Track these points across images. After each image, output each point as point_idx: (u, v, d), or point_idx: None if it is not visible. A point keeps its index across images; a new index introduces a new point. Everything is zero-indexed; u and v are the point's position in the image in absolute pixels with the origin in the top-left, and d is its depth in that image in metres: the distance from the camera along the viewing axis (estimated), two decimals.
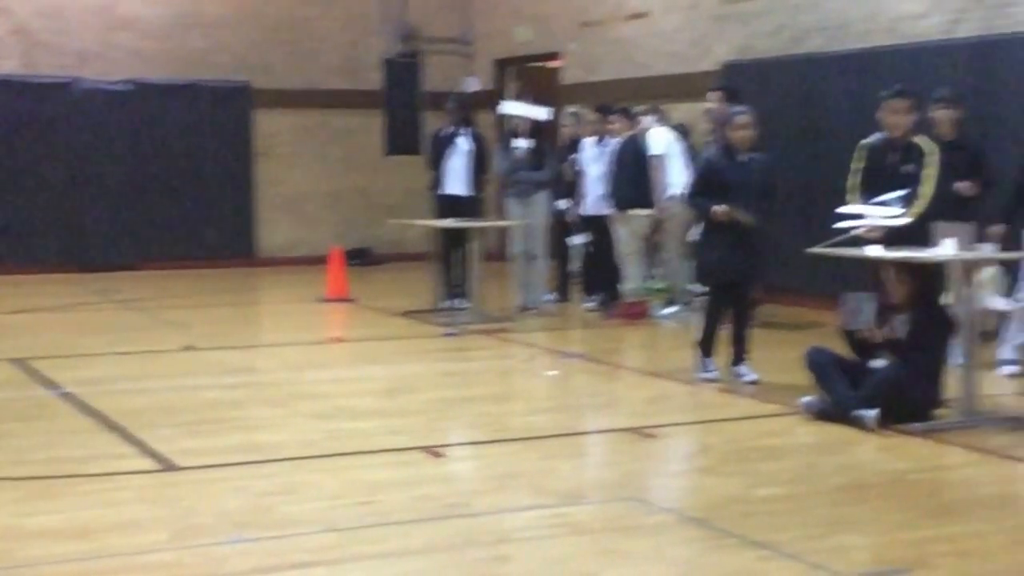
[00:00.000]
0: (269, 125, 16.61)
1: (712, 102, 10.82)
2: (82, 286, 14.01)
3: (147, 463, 6.25)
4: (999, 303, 8.80)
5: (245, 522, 5.21)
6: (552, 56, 16.17)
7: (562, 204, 12.24)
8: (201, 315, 12.11)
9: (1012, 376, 8.44)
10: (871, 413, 6.82)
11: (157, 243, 15.97)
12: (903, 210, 7.50)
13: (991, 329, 9.15)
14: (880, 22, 11.43)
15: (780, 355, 8.74)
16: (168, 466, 6.19)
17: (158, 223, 15.96)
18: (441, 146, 12.13)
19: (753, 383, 8.19)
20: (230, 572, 4.67)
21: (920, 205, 7.60)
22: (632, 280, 11.54)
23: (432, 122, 13.83)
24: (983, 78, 10.30)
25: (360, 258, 16.16)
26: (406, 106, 16.18)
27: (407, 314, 11.66)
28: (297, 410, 7.59)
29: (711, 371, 8.28)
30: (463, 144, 12.00)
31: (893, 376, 6.97)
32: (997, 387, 8.04)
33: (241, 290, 14.66)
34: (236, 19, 16.43)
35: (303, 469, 6.16)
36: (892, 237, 7.40)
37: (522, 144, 11.67)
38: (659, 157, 11.28)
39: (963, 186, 8.81)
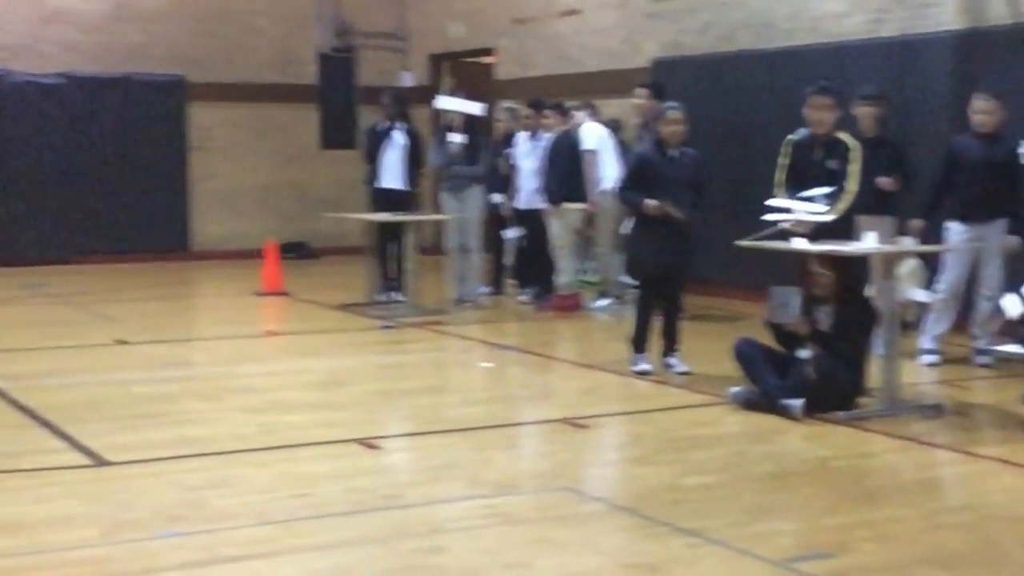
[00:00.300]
0: (203, 119, 16.44)
1: (639, 99, 10.88)
2: (10, 280, 13.75)
3: (78, 458, 6.17)
4: (919, 295, 8.94)
5: (177, 516, 5.16)
6: (486, 52, 16.17)
7: (496, 198, 12.25)
8: (134, 309, 11.96)
9: (931, 365, 8.58)
10: (797, 402, 6.90)
11: (89, 237, 15.75)
12: (828, 206, 7.58)
13: (912, 320, 9.31)
14: (804, 21, 11.56)
15: (710, 346, 8.81)
16: (99, 461, 6.11)
17: (91, 217, 15.74)
18: (376, 140, 12.09)
19: (684, 374, 8.25)
20: (162, 566, 4.62)
21: (846, 200, 7.69)
22: (565, 273, 11.57)
23: (367, 116, 13.77)
24: (903, 76, 10.45)
25: (295, 252, 16.05)
26: (341, 100, 16.11)
27: (342, 307, 11.61)
28: (231, 404, 7.53)
29: (644, 366, 8.32)
30: (398, 138, 11.97)
31: (818, 366, 7.05)
32: (917, 376, 8.18)
33: (175, 284, 14.50)
34: (170, 12, 16.23)
35: (236, 463, 6.12)
36: (818, 231, 7.49)
37: (457, 139, 11.66)
38: (592, 152, 11.32)
39: (884, 181, 8.93)
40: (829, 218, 7.59)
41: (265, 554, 4.73)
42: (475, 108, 11.78)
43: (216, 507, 5.33)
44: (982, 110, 8.48)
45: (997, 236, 8.50)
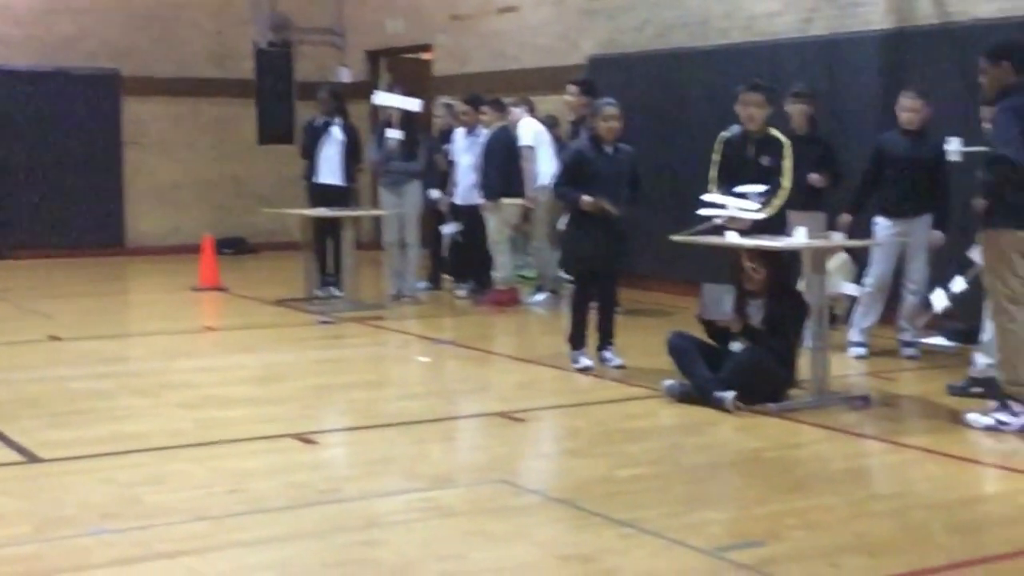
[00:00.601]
0: (139, 113, 16.28)
1: (571, 96, 10.93)
2: None
3: (10, 455, 6.08)
4: (847, 288, 9.06)
5: (111, 513, 5.12)
6: (424, 48, 16.14)
7: (434, 194, 12.24)
8: (68, 305, 11.82)
9: (859, 358, 8.70)
10: (729, 395, 6.97)
11: (23, 233, 15.55)
12: (762, 203, 7.66)
13: (840, 313, 9.43)
14: (738, 19, 11.65)
15: (644, 340, 8.89)
16: (31, 458, 6.03)
17: (24, 212, 15.53)
18: (314, 136, 12.04)
19: (619, 367, 8.31)
20: (95, 563, 4.57)
21: (782, 197, 7.80)
22: (502, 268, 11.59)
23: (305, 112, 13.71)
24: (833, 74, 10.58)
25: (233, 247, 15.95)
26: (278, 95, 16.02)
27: (280, 303, 11.56)
28: (166, 400, 7.47)
29: (586, 361, 8.35)
30: (336, 134, 11.93)
31: (750, 359, 7.13)
32: (846, 368, 8.29)
33: (110, 280, 14.35)
34: (105, 6, 16.04)
35: (172, 459, 6.06)
36: (752, 226, 7.56)
37: (394, 134, 11.63)
38: (529, 148, 11.35)
39: (815, 178, 9.05)
40: (766, 214, 7.69)
41: (199, 550, 4.70)
42: (413, 104, 11.77)
43: (150, 503, 5.28)
44: (909, 108, 8.61)
45: (923, 231, 8.64)
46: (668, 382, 7.36)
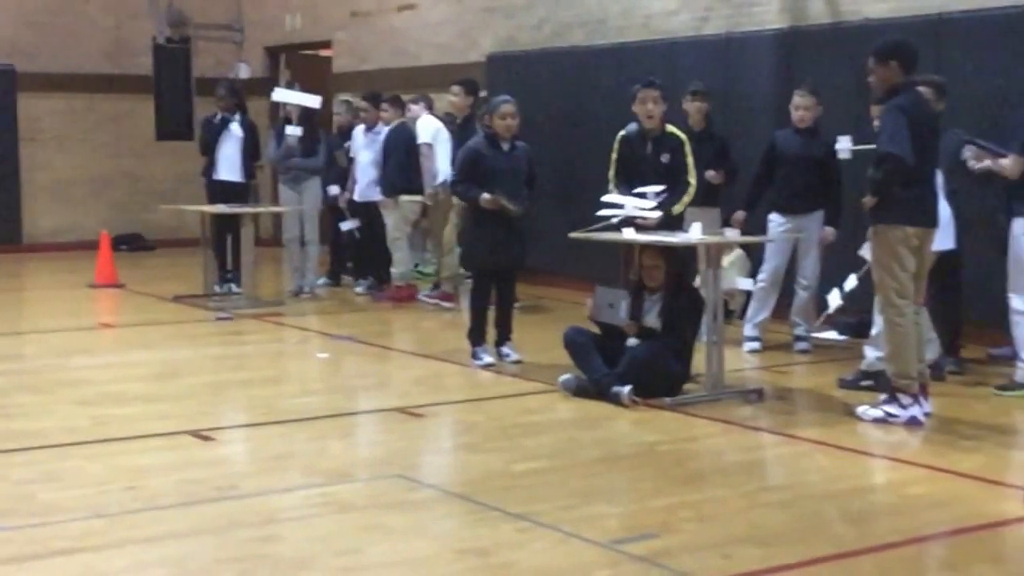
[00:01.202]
0: (35, 109, 15.91)
1: (455, 96, 10.96)
2: None
3: None
4: (742, 284, 9.19)
5: (5, 510, 5.01)
6: (324, 44, 16.01)
7: (333, 190, 12.15)
8: None
9: (753, 352, 8.83)
10: (625, 389, 7.02)
11: None
12: (666, 201, 7.72)
13: (735, 308, 9.58)
14: (635, 19, 11.74)
15: (542, 336, 8.92)
16: None
17: None
18: (213, 132, 11.89)
19: (517, 363, 8.33)
20: None
21: (690, 194, 7.90)
22: (401, 264, 11.54)
23: (203, 108, 13.50)
24: (728, 72, 10.71)
25: (131, 244, 15.67)
26: (176, 91, 15.74)
27: (178, 299, 11.39)
28: (62, 397, 7.32)
29: (487, 358, 8.35)
30: (235, 130, 11.80)
31: (646, 355, 7.19)
32: (740, 362, 8.41)
33: (6, 276, 13.98)
34: (1, 4, 15.63)
35: (67, 456, 5.95)
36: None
37: (294, 131, 11.52)
38: (428, 145, 11.31)
39: (711, 174, 9.18)
40: (678, 209, 7.79)
41: (96, 547, 4.62)
42: (312, 100, 11.66)
43: (45, 501, 5.17)
44: (802, 106, 8.76)
45: (815, 228, 8.79)
46: (564, 377, 7.40)
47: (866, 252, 7.26)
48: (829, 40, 10.07)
